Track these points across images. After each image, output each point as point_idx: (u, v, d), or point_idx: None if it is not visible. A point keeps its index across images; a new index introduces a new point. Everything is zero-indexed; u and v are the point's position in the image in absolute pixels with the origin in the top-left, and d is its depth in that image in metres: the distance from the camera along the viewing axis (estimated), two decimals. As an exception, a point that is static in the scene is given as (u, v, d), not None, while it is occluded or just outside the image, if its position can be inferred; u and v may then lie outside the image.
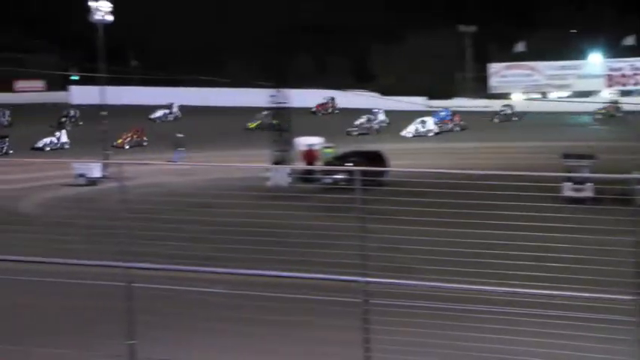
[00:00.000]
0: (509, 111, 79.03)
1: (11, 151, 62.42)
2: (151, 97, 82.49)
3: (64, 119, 74.70)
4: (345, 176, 15.39)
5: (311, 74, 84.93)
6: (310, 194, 34.72)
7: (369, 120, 73.36)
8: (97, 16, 58.78)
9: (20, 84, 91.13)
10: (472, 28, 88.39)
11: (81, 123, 74.74)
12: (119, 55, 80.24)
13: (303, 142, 54.13)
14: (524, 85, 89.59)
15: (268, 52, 69.50)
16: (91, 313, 15.58)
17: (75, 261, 14.60)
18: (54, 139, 65.68)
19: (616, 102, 79.85)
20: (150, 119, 77.39)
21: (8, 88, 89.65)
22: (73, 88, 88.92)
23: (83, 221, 27.80)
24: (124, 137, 65.38)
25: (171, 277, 14.04)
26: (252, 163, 48.26)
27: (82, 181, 46.06)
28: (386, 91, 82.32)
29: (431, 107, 79.67)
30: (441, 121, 73.02)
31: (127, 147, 64.95)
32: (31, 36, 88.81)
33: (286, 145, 52.70)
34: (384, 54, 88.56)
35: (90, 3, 59.76)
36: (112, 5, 60.11)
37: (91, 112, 68.72)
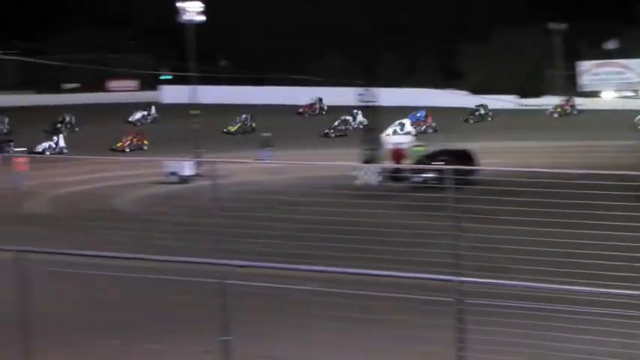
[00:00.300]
0: (482, 111, 78.35)
1: None
2: (241, 96, 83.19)
3: (59, 125, 73.18)
4: (436, 175, 15.38)
5: (400, 73, 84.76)
6: (400, 193, 34.69)
7: (344, 121, 72.23)
8: (187, 16, 59.54)
9: (113, 84, 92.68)
10: (562, 26, 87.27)
11: (77, 129, 73.70)
12: (209, 54, 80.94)
13: (392, 140, 54.13)
14: (616, 83, 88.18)
15: (358, 51, 69.69)
16: (185, 309, 15.85)
17: (169, 257, 14.88)
18: (52, 144, 64.65)
19: (569, 99, 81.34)
20: (129, 122, 76.23)
21: (101, 87, 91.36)
22: (164, 88, 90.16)
23: (176, 218, 28.28)
24: (124, 141, 64.87)
25: (263, 275, 14.21)
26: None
27: (173, 178, 46.56)
28: (476, 90, 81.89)
29: (522, 105, 79.24)
30: (415, 122, 71.56)
31: (128, 150, 64.62)
32: (124, 36, 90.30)
33: (375, 144, 52.71)
34: (473, 52, 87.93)
35: (178, 4, 60.57)
36: (203, 5, 60.81)
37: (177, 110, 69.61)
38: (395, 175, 41.55)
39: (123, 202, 39.93)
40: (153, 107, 77.85)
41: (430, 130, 71.54)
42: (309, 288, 12.90)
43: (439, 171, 11.98)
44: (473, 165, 42.48)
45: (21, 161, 14.64)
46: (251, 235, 18.41)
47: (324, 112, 78.79)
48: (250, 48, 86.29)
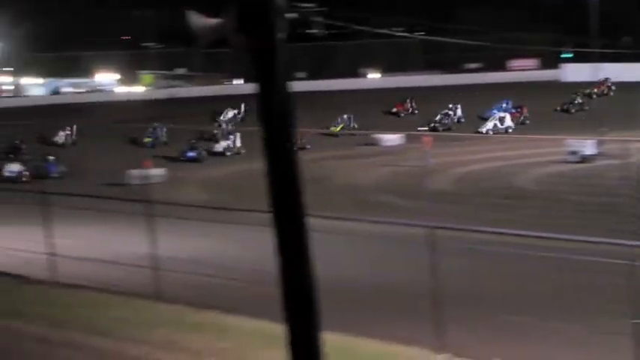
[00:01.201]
0: (579, 100, 68.06)
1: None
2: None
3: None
4: None
5: None
6: None
7: (446, 115, 65.25)
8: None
9: (514, 62, 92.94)
10: None
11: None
12: (612, 30, 78.61)
13: None
14: None
15: None
16: (592, 290, 15.65)
17: (577, 237, 14.76)
18: (229, 143, 57.62)
19: (606, 80, 73.02)
20: (218, 121, 68.02)
21: (503, 66, 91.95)
22: (565, 66, 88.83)
23: (579, 198, 27.89)
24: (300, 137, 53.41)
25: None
26: None
27: (574, 158, 45.99)
28: None
29: None
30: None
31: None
32: (527, 14, 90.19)
33: None
34: None
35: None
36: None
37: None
38: None
39: (524, 181, 40.05)
40: (243, 105, 71.93)
41: (527, 122, 63.55)
42: None
43: None
44: None
45: (427, 140, 15.07)
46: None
47: (416, 111, 72.06)
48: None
